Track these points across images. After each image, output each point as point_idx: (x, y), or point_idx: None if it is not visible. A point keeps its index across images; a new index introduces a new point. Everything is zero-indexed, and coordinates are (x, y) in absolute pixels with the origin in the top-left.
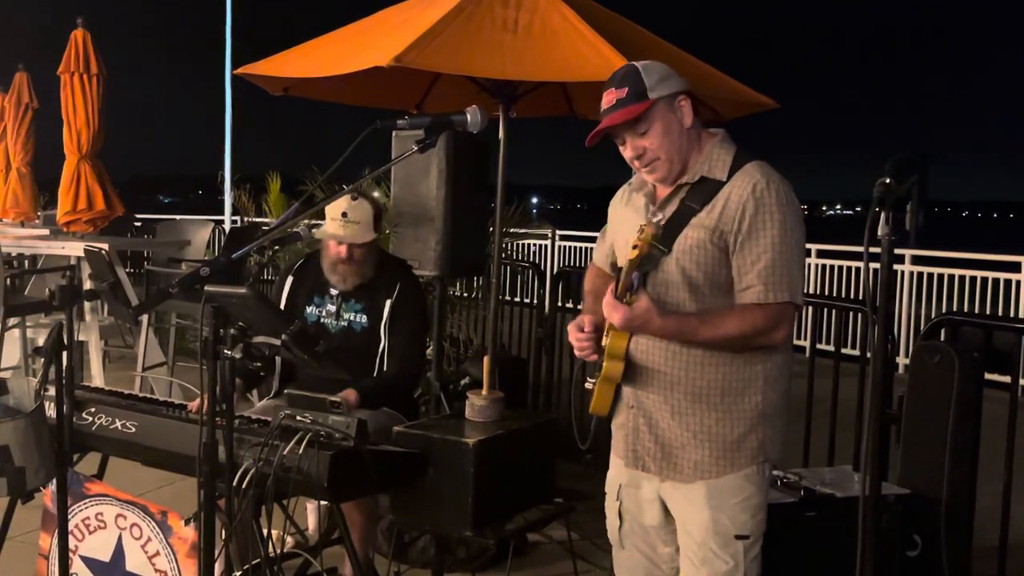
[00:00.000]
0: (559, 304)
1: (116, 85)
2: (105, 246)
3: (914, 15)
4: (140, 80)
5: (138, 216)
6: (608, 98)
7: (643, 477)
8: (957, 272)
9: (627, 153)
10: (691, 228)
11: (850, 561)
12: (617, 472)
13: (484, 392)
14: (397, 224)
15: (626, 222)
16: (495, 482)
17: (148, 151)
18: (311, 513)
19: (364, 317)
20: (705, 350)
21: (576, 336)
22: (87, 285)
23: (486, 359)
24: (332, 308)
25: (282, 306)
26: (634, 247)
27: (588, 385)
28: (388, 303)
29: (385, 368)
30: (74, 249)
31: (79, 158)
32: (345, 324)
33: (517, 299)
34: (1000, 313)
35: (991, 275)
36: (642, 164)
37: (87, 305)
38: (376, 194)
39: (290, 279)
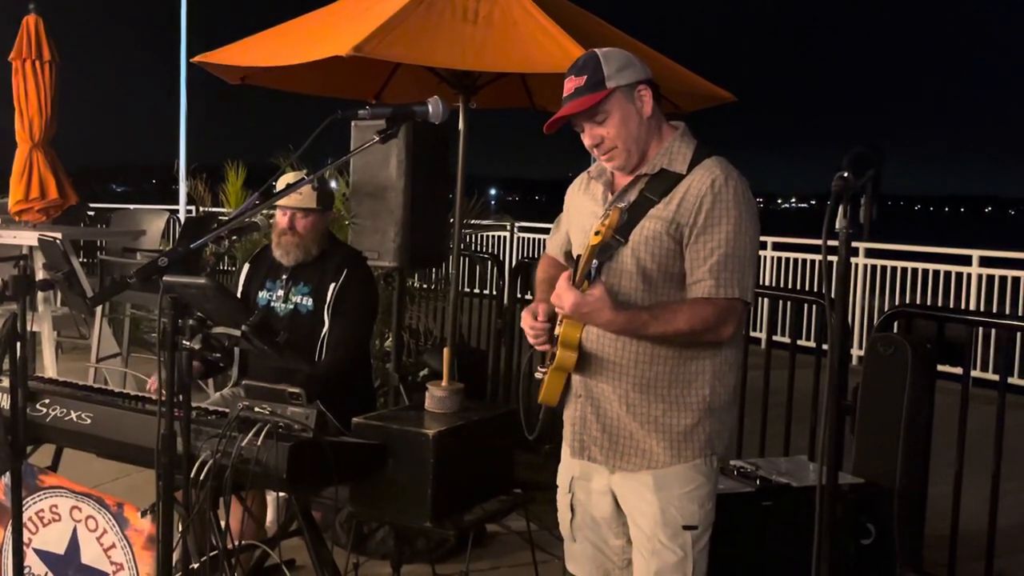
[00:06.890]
0: (518, 296)
1: (69, 72)
2: (59, 235)
3: (870, 13)
4: (94, 67)
5: (92, 205)
6: (568, 85)
7: (594, 469)
8: (910, 265)
9: (586, 141)
10: (648, 219)
11: (806, 549)
12: (568, 464)
13: (444, 383)
14: (355, 215)
15: (583, 210)
16: (454, 473)
17: (102, 139)
18: (270, 505)
19: (310, 300)
20: (654, 343)
21: (530, 324)
22: (40, 275)
23: (446, 350)
24: (281, 292)
25: (239, 294)
26: (596, 233)
27: (538, 375)
28: (333, 287)
29: (323, 356)
30: (27, 238)
31: (31, 146)
32: (292, 307)
33: (476, 291)
34: (952, 305)
35: (943, 268)
36: (600, 152)
37: (40, 295)
38: (334, 185)
39: (247, 267)
